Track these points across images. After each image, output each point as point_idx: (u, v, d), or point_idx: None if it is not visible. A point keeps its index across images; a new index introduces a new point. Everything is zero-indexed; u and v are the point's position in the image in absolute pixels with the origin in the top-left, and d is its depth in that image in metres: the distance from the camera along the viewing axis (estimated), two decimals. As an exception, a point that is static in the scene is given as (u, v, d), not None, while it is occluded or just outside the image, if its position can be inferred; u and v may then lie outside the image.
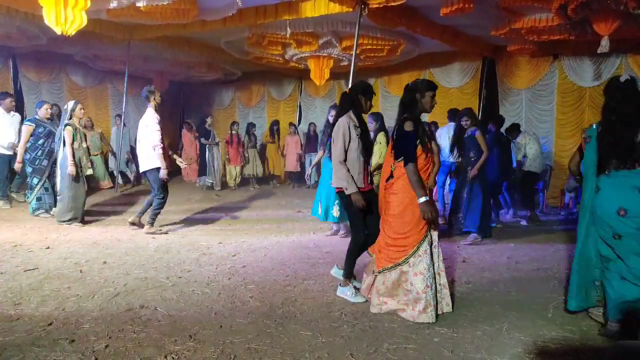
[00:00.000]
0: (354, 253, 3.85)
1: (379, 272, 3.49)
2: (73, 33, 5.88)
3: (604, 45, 6.62)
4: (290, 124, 12.52)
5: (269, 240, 5.87)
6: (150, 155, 5.88)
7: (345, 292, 3.78)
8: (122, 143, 10.72)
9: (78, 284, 4.02)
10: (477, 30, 8.64)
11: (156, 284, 4.05)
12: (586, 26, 7.01)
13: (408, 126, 3.38)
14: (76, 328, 3.11)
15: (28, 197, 7.19)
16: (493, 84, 10.61)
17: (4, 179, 7.68)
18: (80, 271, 4.37)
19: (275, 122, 12.58)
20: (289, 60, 10.36)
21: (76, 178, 6.39)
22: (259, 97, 14.58)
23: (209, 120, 11.16)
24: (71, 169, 6.26)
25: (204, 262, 4.79)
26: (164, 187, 5.98)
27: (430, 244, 3.43)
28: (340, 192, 3.82)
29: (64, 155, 6.34)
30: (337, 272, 4.06)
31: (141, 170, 6.12)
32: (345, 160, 3.71)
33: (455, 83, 11.05)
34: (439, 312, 3.42)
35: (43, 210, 7.01)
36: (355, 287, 3.82)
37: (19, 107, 11.35)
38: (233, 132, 11.32)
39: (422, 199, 3.32)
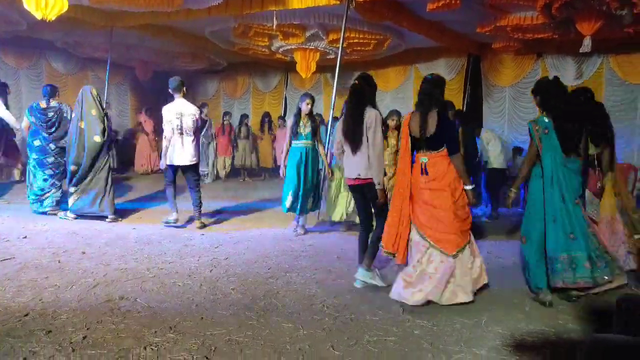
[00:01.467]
0: (379, 242, 3.87)
1: (454, 256, 3.51)
2: (53, 18, 5.75)
3: (587, 44, 6.73)
4: (280, 117, 12.42)
5: (251, 233, 5.85)
6: (194, 148, 5.82)
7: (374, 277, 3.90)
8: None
9: (56, 274, 3.95)
10: (463, 26, 8.69)
11: (137, 275, 4.00)
12: (570, 26, 7.11)
13: (452, 115, 3.52)
14: (53, 319, 3.06)
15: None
16: (478, 81, 10.71)
17: None
18: (59, 261, 4.30)
19: (267, 114, 12.42)
20: (275, 52, 10.29)
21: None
22: (244, 89, 14.48)
23: (205, 110, 10.95)
24: None
25: (185, 254, 4.75)
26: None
27: None
28: (365, 185, 3.85)
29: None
30: (364, 275, 3.90)
31: (184, 163, 5.80)
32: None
33: (441, 79, 11.10)
34: None
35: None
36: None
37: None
38: (225, 122, 11.23)
39: (470, 187, 3.58)
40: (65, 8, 5.73)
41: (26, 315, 3.10)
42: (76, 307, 3.26)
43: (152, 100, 14.07)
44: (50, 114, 6.45)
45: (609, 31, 7.05)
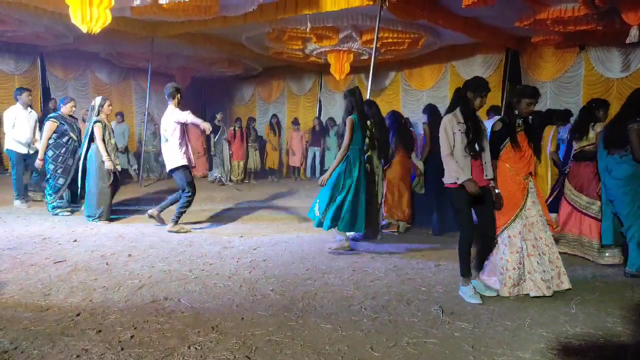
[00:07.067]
0: (462, 251, 3.72)
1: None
2: (98, 31, 6.01)
3: (633, 35, 6.44)
4: (294, 120, 12.77)
5: (289, 235, 5.91)
6: (174, 153, 5.85)
7: (465, 292, 3.69)
8: (148, 139, 11.01)
9: (104, 276, 4.13)
10: (500, 21, 8.49)
11: (180, 277, 4.13)
12: (614, 16, 6.83)
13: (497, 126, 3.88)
14: (103, 319, 3.20)
15: (48, 196, 6.91)
16: (517, 77, 10.41)
17: (20, 177, 7.45)
18: (107, 263, 4.49)
19: (274, 116, 12.77)
20: (309, 54, 10.38)
21: (106, 174, 6.33)
22: (279, 92, 14.66)
23: (218, 116, 11.27)
24: (108, 164, 6.25)
25: (225, 256, 4.86)
26: (191, 184, 5.92)
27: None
28: (447, 189, 3.76)
29: (94, 152, 6.29)
30: (480, 288, 3.77)
31: (168, 169, 6.07)
32: (452, 153, 3.68)
33: (478, 76, 10.88)
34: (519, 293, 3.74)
35: (63, 208, 6.89)
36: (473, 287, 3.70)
37: (47, 104, 11.71)
38: (236, 128, 11.35)
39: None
40: (109, 21, 5.99)
41: (78, 315, 3.25)
42: (124, 308, 3.40)
43: (191, 107, 14.46)
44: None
45: (657, 20, 6.72)
